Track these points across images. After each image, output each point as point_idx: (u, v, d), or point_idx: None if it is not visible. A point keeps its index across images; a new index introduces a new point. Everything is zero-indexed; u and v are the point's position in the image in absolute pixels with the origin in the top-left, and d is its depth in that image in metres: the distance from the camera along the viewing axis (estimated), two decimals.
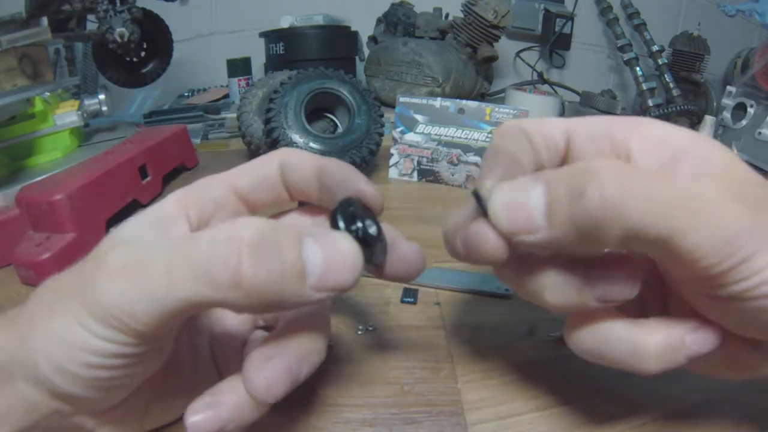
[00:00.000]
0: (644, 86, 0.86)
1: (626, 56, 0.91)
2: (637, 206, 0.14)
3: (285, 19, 0.93)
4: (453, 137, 0.52)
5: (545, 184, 0.15)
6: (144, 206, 0.46)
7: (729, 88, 0.65)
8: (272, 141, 0.49)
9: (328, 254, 0.15)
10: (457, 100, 0.52)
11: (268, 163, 0.21)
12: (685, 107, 0.81)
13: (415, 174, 0.55)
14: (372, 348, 0.27)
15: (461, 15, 0.89)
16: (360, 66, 1.00)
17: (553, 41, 1.08)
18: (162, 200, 0.20)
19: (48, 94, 0.45)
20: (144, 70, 0.66)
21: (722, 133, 0.64)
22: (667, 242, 0.14)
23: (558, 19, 1.07)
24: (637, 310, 0.21)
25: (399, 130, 0.54)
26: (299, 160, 0.21)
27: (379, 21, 1.03)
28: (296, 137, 0.49)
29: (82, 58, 0.91)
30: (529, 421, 0.22)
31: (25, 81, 0.42)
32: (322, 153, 0.48)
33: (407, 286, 0.32)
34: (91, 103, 0.49)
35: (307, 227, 0.16)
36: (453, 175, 0.53)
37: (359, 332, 0.28)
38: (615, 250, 0.16)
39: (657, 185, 0.14)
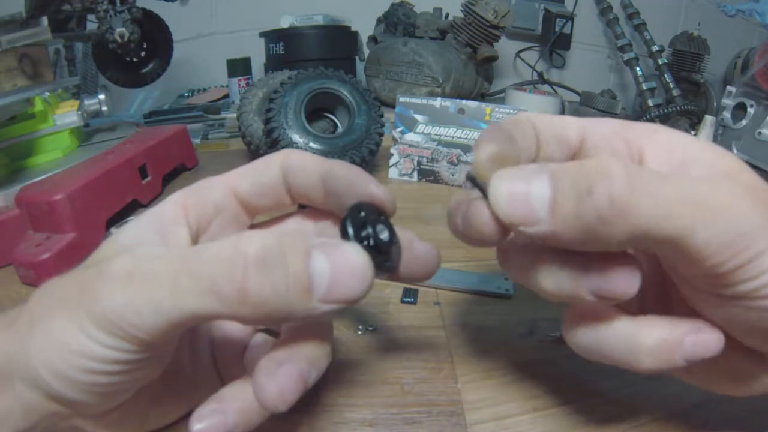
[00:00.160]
0: (644, 86, 0.86)
1: (626, 56, 0.92)
2: (646, 206, 0.14)
3: (285, 19, 0.93)
4: (453, 137, 0.52)
5: (551, 176, 0.15)
6: (144, 206, 0.46)
7: (729, 88, 0.65)
8: (272, 141, 0.49)
9: (336, 266, 0.15)
10: (457, 100, 0.52)
11: (270, 167, 0.20)
12: (685, 107, 0.81)
13: (415, 174, 0.55)
14: (372, 348, 0.27)
15: (461, 15, 0.89)
16: (360, 66, 1.00)
17: (553, 41, 1.08)
18: (161, 203, 0.20)
19: (48, 94, 0.45)
20: (144, 70, 0.66)
21: (722, 133, 0.64)
22: (675, 241, 0.14)
23: (558, 19, 1.07)
24: (636, 309, 0.20)
25: (399, 130, 0.54)
26: (302, 162, 0.20)
27: (379, 21, 1.03)
28: (296, 137, 0.49)
29: (82, 58, 0.91)
30: (529, 421, 0.22)
31: (25, 81, 0.42)
32: (322, 153, 0.48)
33: (407, 286, 0.32)
34: (91, 103, 0.49)
35: (316, 238, 0.16)
36: (453, 175, 0.53)
37: (359, 332, 0.28)
38: (617, 249, 0.16)
39: (666, 185, 0.14)
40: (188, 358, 0.21)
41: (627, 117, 0.95)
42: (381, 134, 0.53)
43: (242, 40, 1.07)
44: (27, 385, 0.16)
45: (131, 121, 0.71)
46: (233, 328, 0.22)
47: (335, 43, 0.93)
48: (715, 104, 0.86)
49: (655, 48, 0.90)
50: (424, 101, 0.53)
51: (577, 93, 1.01)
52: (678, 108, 0.81)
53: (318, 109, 0.54)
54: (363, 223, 0.18)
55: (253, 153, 0.58)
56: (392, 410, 0.22)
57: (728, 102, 0.64)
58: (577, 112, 0.95)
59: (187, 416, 0.21)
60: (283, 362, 0.17)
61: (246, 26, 1.08)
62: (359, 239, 0.17)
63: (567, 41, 1.10)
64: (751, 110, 0.61)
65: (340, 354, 0.26)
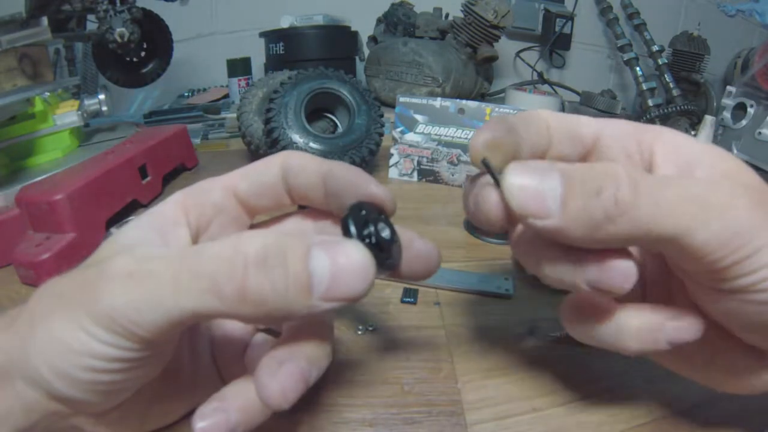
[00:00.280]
0: (644, 86, 0.86)
1: (626, 56, 0.92)
2: (647, 206, 0.15)
3: (285, 19, 0.93)
4: (453, 137, 0.52)
5: (563, 174, 0.16)
6: (144, 206, 0.46)
7: (729, 88, 0.65)
8: (272, 141, 0.49)
9: (337, 264, 0.15)
10: (457, 100, 0.52)
11: (269, 168, 0.21)
12: (685, 107, 0.81)
13: (415, 174, 0.55)
14: (372, 348, 0.27)
15: (461, 15, 0.89)
16: (360, 66, 1.00)
17: (553, 41, 1.08)
18: (162, 203, 0.20)
19: (48, 94, 0.45)
20: (144, 70, 0.66)
21: (722, 133, 0.64)
22: (675, 239, 0.15)
23: (558, 19, 1.07)
24: (638, 300, 0.21)
25: (399, 130, 0.54)
26: (302, 163, 0.20)
27: (379, 21, 1.03)
28: (296, 137, 0.49)
29: (82, 58, 0.92)
30: (529, 421, 0.22)
31: (25, 81, 0.42)
32: (322, 153, 0.48)
33: (407, 285, 0.32)
34: (91, 103, 0.49)
35: (316, 236, 0.16)
36: (453, 175, 0.53)
37: (359, 332, 0.28)
38: (618, 247, 0.17)
39: (667, 187, 0.15)
40: (188, 358, 0.21)
41: (627, 117, 0.95)
42: (381, 134, 0.53)
43: (242, 40, 1.07)
44: (27, 384, 0.16)
45: (131, 121, 0.71)
46: (233, 328, 0.22)
47: (335, 43, 0.93)
48: (715, 104, 0.86)
49: (655, 48, 0.90)
50: (424, 101, 0.53)
51: (577, 93, 1.01)
52: (678, 108, 0.81)
53: (318, 109, 0.55)
54: (364, 221, 0.18)
55: (253, 153, 0.58)
56: (392, 410, 0.22)
57: (728, 102, 0.64)
58: (577, 112, 0.95)
59: (187, 416, 0.21)
60: (285, 361, 0.17)
61: (246, 26, 1.08)
62: (361, 237, 0.17)
63: (567, 41, 1.10)
64: (751, 110, 0.61)
65: (340, 354, 0.26)
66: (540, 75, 1.10)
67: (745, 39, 1.04)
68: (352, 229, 0.17)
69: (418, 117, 0.53)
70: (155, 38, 0.65)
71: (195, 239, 0.20)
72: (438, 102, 0.52)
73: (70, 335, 0.15)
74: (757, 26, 1.09)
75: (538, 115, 0.20)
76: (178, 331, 0.16)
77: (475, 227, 0.40)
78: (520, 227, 0.19)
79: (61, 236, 0.35)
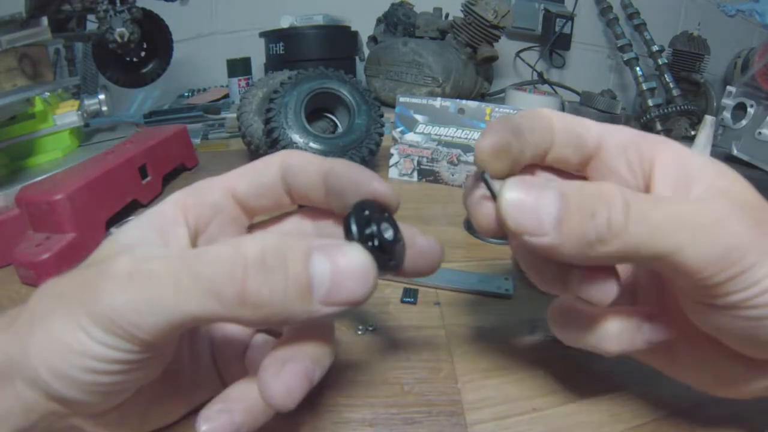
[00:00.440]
0: (644, 86, 0.86)
1: (626, 56, 0.92)
2: (637, 228, 0.15)
3: (285, 19, 0.93)
4: (453, 137, 0.52)
5: (561, 193, 0.16)
6: (144, 206, 0.46)
7: (729, 88, 0.65)
8: (272, 141, 0.49)
9: (338, 268, 0.15)
10: (457, 100, 0.52)
11: (268, 167, 0.20)
12: (685, 107, 0.81)
13: (415, 174, 0.55)
14: (372, 348, 0.27)
15: (461, 15, 0.89)
16: (360, 66, 1.00)
17: (553, 41, 1.08)
18: (161, 203, 0.19)
19: (48, 94, 0.45)
20: (144, 70, 0.66)
21: (722, 133, 0.64)
22: (666, 257, 0.15)
23: (558, 19, 1.07)
24: (629, 304, 0.21)
25: (399, 130, 0.54)
26: (302, 162, 0.20)
27: (379, 21, 1.03)
28: (296, 137, 0.49)
29: (82, 58, 0.91)
30: (529, 421, 0.22)
31: (25, 81, 0.42)
32: (322, 153, 0.48)
33: (407, 285, 0.32)
34: (91, 103, 0.49)
35: (317, 240, 0.16)
36: (453, 175, 0.53)
37: (359, 332, 0.28)
38: (608, 264, 0.17)
39: (657, 208, 0.16)
40: (188, 359, 0.21)
41: (627, 117, 0.95)
42: (381, 134, 0.53)
43: (242, 40, 1.07)
44: (27, 384, 0.16)
45: (131, 121, 0.71)
46: (234, 329, 0.22)
47: (335, 43, 0.93)
48: (715, 104, 0.86)
49: (655, 48, 0.90)
50: (424, 101, 0.53)
51: (577, 93, 1.01)
52: (678, 108, 0.81)
53: (318, 109, 0.55)
54: (367, 221, 0.17)
55: (253, 153, 0.58)
56: (392, 410, 0.22)
57: (728, 102, 0.64)
58: (577, 112, 0.95)
59: (186, 416, 0.21)
60: (288, 360, 0.17)
61: (246, 26, 1.08)
62: (363, 239, 0.17)
63: (567, 41, 1.10)
64: (751, 110, 0.61)
65: (340, 354, 0.26)
66: (540, 75, 1.10)
67: (745, 39, 1.04)
68: (354, 229, 0.17)
69: (418, 117, 0.53)
70: (155, 38, 0.65)
71: (194, 239, 0.20)
72: (438, 102, 0.52)
73: (70, 336, 0.15)
74: (757, 26, 1.09)
75: (541, 114, 0.20)
76: (178, 333, 0.16)
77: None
78: None
79: (61, 236, 0.35)
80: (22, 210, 0.37)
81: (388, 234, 0.18)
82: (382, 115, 0.53)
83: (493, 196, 0.17)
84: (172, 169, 0.54)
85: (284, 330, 0.20)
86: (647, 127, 0.84)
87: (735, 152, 0.59)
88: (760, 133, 0.58)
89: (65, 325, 0.15)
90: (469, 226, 0.41)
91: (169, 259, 0.15)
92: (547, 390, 0.23)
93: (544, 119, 0.20)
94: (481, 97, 0.99)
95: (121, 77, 0.65)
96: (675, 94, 0.87)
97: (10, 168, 0.43)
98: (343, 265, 0.15)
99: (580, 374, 0.24)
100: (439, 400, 0.23)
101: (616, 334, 0.19)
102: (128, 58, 0.63)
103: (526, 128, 0.19)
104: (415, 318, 0.30)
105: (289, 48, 0.90)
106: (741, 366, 0.18)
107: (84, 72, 0.90)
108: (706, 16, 1.08)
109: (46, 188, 0.37)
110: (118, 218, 0.41)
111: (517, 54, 1.13)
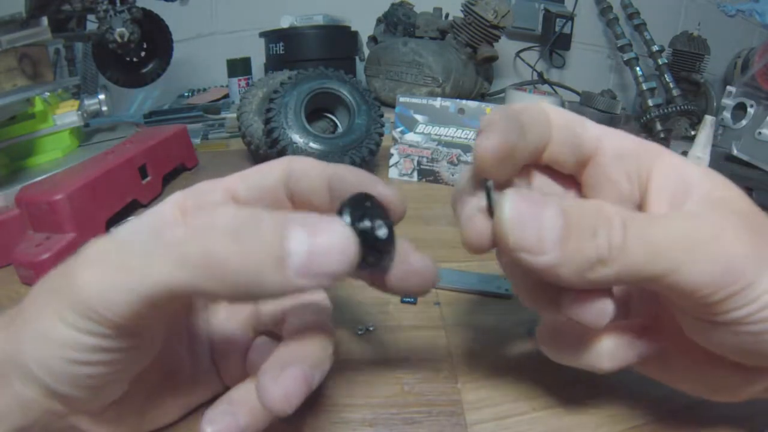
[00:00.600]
0: (644, 86, 0.86)
1: (626, 56, 0.91)
2: (635, 249, 0.15)
3: (285, 19, 0.93)
4: (453, 137, 0.52)
5: (562, 210, 0.15)
6: (144, 206, 0.46)
7: (729, 88, 0.65)
8: (272, 141, 0.49)
9: (316, 237, 0.14)
10: (457, 100, 0.52)
11: (272, 171, 0.20)
12: (685, 107, 0.81)
13: (415, 174, 0.55)
14: (372, 348, 0.27)
15: (461, 15, 0.89)
16: (360, 66, 1.00)
17: (553, 41, 1.08)
18: (161, 204, 0.19)
19: (48, 94, 0.45)
20: (144, 70, 0.66)
21: (722, 133, 0.64)
22: (663, 278, 0.15)
23: (558, 19, 1.07)
24: (623, 317, 0.21)
25: (399, 130, 0.54)
26: (305, 167, 0.20)
27: (379, 21, 1.03)
28: (296, 137, 0.49)
29: (82, 58, 0.91)
30: (529, 421, 0.22)
31: (25, 81, 0.42)
32: (322, 153, 0.48)
33: None
34: (91, 103, 0.49)
35: (296, 212, 0.15)
36: (453, 175, 0.53)
37: (359, 332, 0.28)
38: (604, 287, 0.17)
39: (653, 228, 0.15)
40: (188, 360, 0.21)
41: (627, 117, 0.95)
42: (381, 134, 0.53)
43: (242, 40, 1.07)
44: (24, 381, 0.16)
45: (131, 121, 0.71)
46: (234, 330, 0.22)
47: (335, 43, 0.93)
48: (715, 104, 0.86)
49: (655, 48, 0.90)
50: (424, 101, 0.53)
51: (577, 93, 1.01)
52: (678, 108, 0.81)
53: (318, 109, 0.55)
54: (362, 213, 0.16)
55: (253, 153, 0.58)
56: (392, 410, 0.22)
57: (728, 102, 0.64)
58: (577, 113, 0.95)
59: (186, 416, 0.21)
60: (287, 365, 0.17)
61: (246, 26, 1.07)
62: (354, 227, 0.16)
63: (567, 41, 1.10)
64: (751, 110, 0.61)
65: (340, 354, 0.26)
66: (540, 75, 1.10)
67: (745, 39, 1.04)
68: (347, 218, 0.16)
69: (418, 117, 0.53)
70: (155, 38, 0.65)
71: None
72: (438, 102, 0.52)
73: (52, 328, 0.15)
74: (757, 26, 1.09)
75: (540, 108, 0.19)
76: (154, 316, 0.15)
77: None
78: None
79: (61, 236, 0.35)
80: (22, 210, 0.37)
81: (382, 232, 0.17)
82: (382, 115, 0.53)
83: (491, 210, 0.16)
84: (172, 169, 0.54)
85: (284, 333, 0.20)
86: (647, 127, 0.84)
87: (735, 152, 0.59)
88: (760, 133, 0.58)
89: (49, 317, 0.15)
90: None
91: (140, 233, 0.15)
92: (547, 390, 0.23)
93: (542, 114, 0.19)
94: (481, 97, 0.99)
95: (121, 77, 0.65)
96: (675, 94, 0.87)
97: (10, 168, 0.43)
98: (322, 235, 0.14)
99: (579, 374, 0.24)
100: (439, 400, 0.23)
101: (609, 353, 0.19)
102: (128, 58, 0.63)
103: (527, 124, 0.18)
104: (415, 318, 0.30)
105: (289, 48, 0.90)
106: (737, 374, 0.18)
107: (84, 72, 0.90)
108: (706, 16, 1.08)
109: (46, 188, 0.37)
110: (118, 218, 0.41)
111: (517, 54, 1.13)
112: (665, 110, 0.82)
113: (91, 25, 0.58)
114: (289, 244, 0.14)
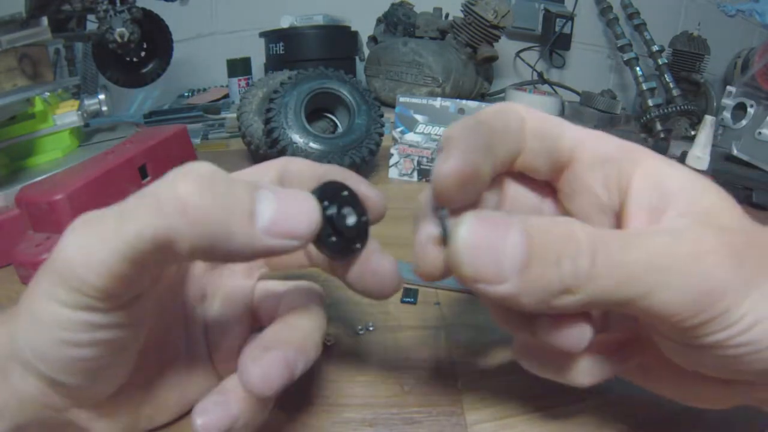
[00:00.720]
0: (644, 86, 0.86)
1: (626, 56, 0.92)
2: (604, 276, 0.14)
3: (285, 19, 0.93)
4: None
5: (526, 234, 0.14)
6: None
7: (729, 88, 0.65)
8: (272, 141, 0.49)
9: (283, 200, 0.15)
10: (457, 100, 0.52)
11: (267, 172, 0.20)
12: (685, 107, 0.81)
13: (415, 174, 0.55)
14: (372, 348, 0.27)
15: (461, 15, 0.89)
16: (360, 66, 1.00)
17: (553, 41, 1.08)
18: None
19: (48, 94, 0.45)
20: (144, 70, 0.66)
21: (722, 133, 0.64)
22: (634, 303, 0.14)
23: (558, 19, 1.07)
24: (600, 330, 0.21)
25: (399, 130, 0.54)
26: (300, 168, 0.20)
27: (379, 21, 1.03)
28: (296, 137, 0.49)
29: (82, 58, 0.91)
30: (529, 421, 0.22)
31: (25, 81, 0.42)
32: (322, 153, 0.48)
33: (407, 285, 0.32)
34: (91, 103, 0.49)
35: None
36: None
37: (359, 332, 0.28)
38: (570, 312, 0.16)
39: (626, 251, 0.14)
40: (183, 349, 0.21)
41: (627, 117, 0.95)
42: (381, 134, 0.53)
43: (242, 40, 1.07)
44: (22, 376, 0.16)
45: (131, 121, 0.71)
46: (230, 322, 0.22)
47: (335, 43, 0.93)
48: (715, 104, 0.86)
49: (655, 48, 0.90)
50: (424, 101, 0.53)
51: (577, 93, 1.01)
52: (678, 108, 0.81)
53: (318, 109, 0.55)
54: (333, 196, 0.17)
55: (253, 153, 0.58)
56: (392, 410, 0.22)
57: (728, 102, 0.64)
58: (577, 112, 0.95)
59: (185, 416, 0.21)
60: (270, 347, 0.17)
61: (246, 26, 1.08)
62: (322, 205, 0.16)
63: (567, 41, 1.10)
64: (751, 110, 0.61)
65: (340, 354, 0.26)
66: (540, 75, 1.10)
67: (745, 39, 1.04)
68: (317, 195, 0.16)
69: (418, 117, 0.53)
70: (155, 38, 0.65)
71: None
72: (438, 102, 0.52)
73: (44, 309, 0.15)
74: (757, 26, 1.09)
75: (513, 111, 0.18)
76: (138, 275, 0.15)
77: None
78: None
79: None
80: (22, 210, 0.37)
81: (351, 219, 0.17)
82: (382, 115, 0.54)
83: (445, 237, 0.15)
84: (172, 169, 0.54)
85: (275, 319, 0.20)
86: (647, 127, 0.84)
87: (735, 152, 0.59)
88: (760, 133, 0.58)
89: (41, 299, 0.15)
90: None
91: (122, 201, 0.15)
92: (546, 390, 0.23)
93: (515, 119, 0.17)
94: (481, 97, 0.99)
95: (121, 77, 0.65)
96: (675, 94, 0.87)
97: (10, 168, 0.43)
98: (290, 199, 0.15)
99: None
100: (439, 400, 0.23)
101: (586, 370, 0.18)
102: (128, 58, 0.63)
103: (498, 134, 0.17)
104: (415, 318, 0.30)
105: (289, 48, 0.90)
106: (718, 385, 0.18)
107: (84, 72, 0.90)
108: (706, 16, 1.08)
109: (46, 188, 0.37)
110: None
111: (517, 54, 1.13)
112: (665, 110, 0.82)
113: (91, 25, 0.57)
114: (259, 203, 0.15)
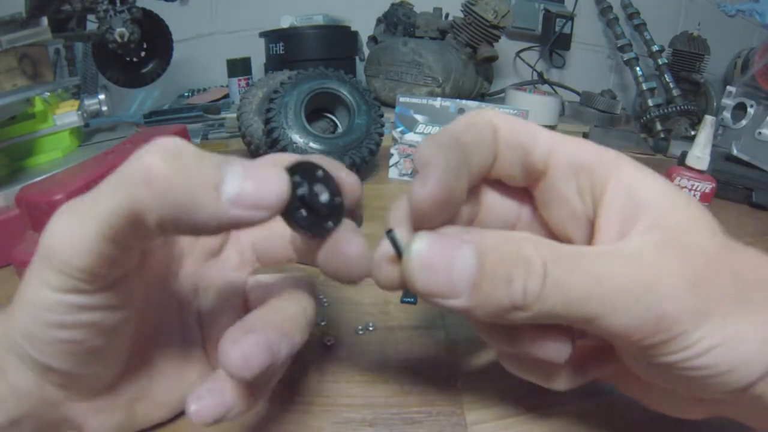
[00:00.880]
0: (644, 86, 0.86)
1: (626, 56, 0.92)
2: (555, 297, 0.14)
3: (285, 19, 0.93)
4: None
5: (479, 253, 0.15)
6: None
7: (729, 88, 0.65)
8: (272, 141, 0.49)
9: (250, 171, 0.15)
10: (457, 100, 0.52)
11: None
12: (685, 107, 0.81)
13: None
14: (372, 348, 0.27)
15: (461, 15, 0.89)
16: (360, 66, 1.00)
17: (553, 41, 1.08)
18: None
19: (48, 94, 0.45)
20: (144, 70, 0.66)
21: (722, 133, 0.64)
22: (588, 322, 0.15)
23: (558, 19, 1.07)
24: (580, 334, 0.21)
25: (399, 130, 0.54)
26: (289, 160, 0.20)
27: (379, 21, 1.03)
28: (296, 137, 0.49)
29: (82, 58, 0.91)
30: (529, 421, 0.22)
31: (25, 81, 0.42)
32: (322, 153, 0.48)
33: None
34: (91, 103, 0.49)
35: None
36: None
37: (359, 332, 0.28)
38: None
39: (579, 272, 0.15)
40: (179, 346, 0.21)
41: (627, 117, 0.95)
42: (381, 134, 0.53)
43: (242, 40, 1.07)
44: (18, 369, 0.16)
45: (131, 121, 0.71)
46: (224, 312, 0.22)
47: (335, 43, 0.93)
48: (715, 104, 0.86)
49: (655, 48, 0.90)
50: (424, 101, 0.53)
51: (577, 93, 1.02)
52: (678, 108, 0.81)
53: (318, 109, 0.55)
54: (305, 173, 0.17)
55: (253, 153, 0.58)
56: (392, 410, 0.22)
57: (728, 102, 0.64)
58: (577, 112, 0.95)
59: (183, 415, 0.21)
60: (251, 330, 0.17)
61: (246, 26, 1.07)
62: (292, 180, 0.16)
63: (567, 41, 1.10)
64: (751, 110, 0.61)
65: (340, 354, 0.26)
66: (540, 75, 1.10)
67: (745, 39, 1.04)
68: (289, 171, 0.16)
69: (418, 117, 0.53)
70: (155, 38, 0.65)
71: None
72: (438, 102, 0.52)
73: (35, 294, 0.15)
74: (757, 26, 1.09)
75: (485, 121, 0.17)
76: (119, 254, 0.15)
77: None
78: None
79: None
80: (22, 210, 0.37)
81: (323, 197, 0.17)
82: (382, 115, 0.54)
83: (399, 255, 0.15)
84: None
85: (258, 302, 0.20)
86: (647, 127, 0.84)
87: (735, 152, 0.59)
88: (760, 133, 0.58)
89: (33, 285, 0.16)
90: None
91: None
92: (546, 390, 0.23)
93: (488, 130, 0.17)
94: (481, 97, 0.99)
95: (121, 77, 0.65)
96: (675, 94, 0.87)
97: (10, 168, 0.43)
98: (257, 171, 0.15)
99: None
100: (439, 400, 0.23)
101: (564, 376, 0.19)
102: (128, 58, 0.63)
103: (471, 148, 0.17)
104: (415, 318, 0.30)
105: (289, 48, 0.90)
106: (689, 401, 0.18)
107: (84, 72, 0.90)
108: (706, 16, 1.08)
109: (46, 188, 0.37)
110: None
111: (517, 54, 1.13)
112: (665, 110, 0.82)
113: (91, 25, 0.57)
114: (226, 174, 0.14)
